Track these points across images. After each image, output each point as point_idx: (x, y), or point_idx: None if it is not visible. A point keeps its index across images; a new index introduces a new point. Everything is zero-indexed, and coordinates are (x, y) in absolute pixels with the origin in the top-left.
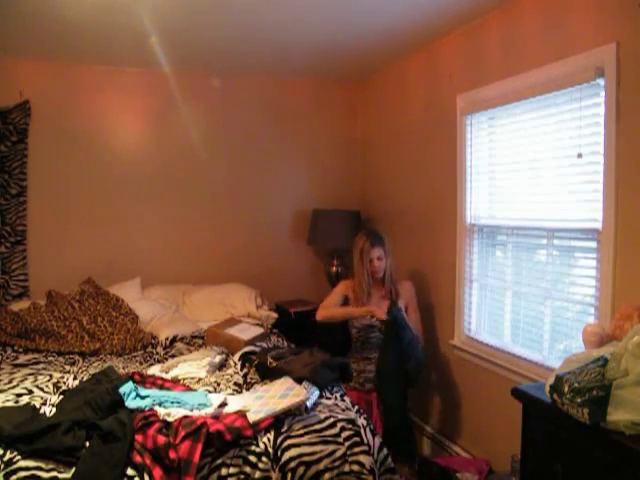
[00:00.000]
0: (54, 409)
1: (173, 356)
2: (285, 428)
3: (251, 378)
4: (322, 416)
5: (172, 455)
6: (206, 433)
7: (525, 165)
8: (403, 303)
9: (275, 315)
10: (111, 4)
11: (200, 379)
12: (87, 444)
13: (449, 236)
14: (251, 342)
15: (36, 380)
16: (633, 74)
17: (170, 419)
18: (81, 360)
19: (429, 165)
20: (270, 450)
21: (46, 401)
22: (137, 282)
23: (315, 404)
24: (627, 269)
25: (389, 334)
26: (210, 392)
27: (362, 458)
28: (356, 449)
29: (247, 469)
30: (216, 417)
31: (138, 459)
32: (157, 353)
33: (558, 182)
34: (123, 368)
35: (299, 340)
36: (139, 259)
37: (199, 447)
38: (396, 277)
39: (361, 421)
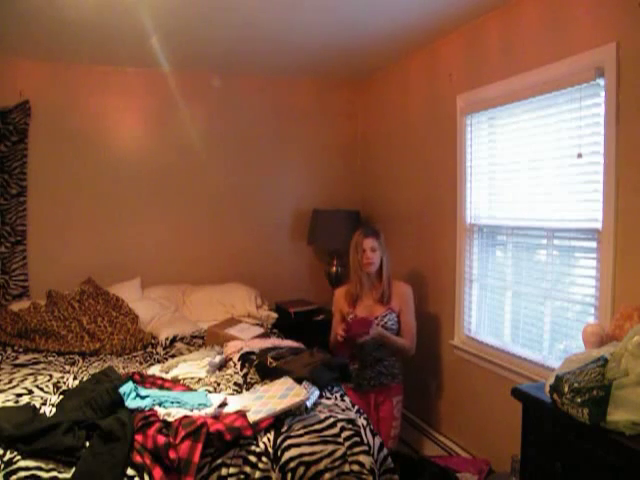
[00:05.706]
0: (54, 409)
1: (173, 356)
2: (285, 428)
3: (251, 378)
4: (322, 416)
5: (172, 455)
6: (206, 433)
7: (525, 165)
8: (396, 306)
9: (275, 315)
10: (111, 4)
11: (200, 379)
12: (87, 444)
13: (449, 236)
14: None
15: (36, 380)
16: (633, 74)
17: (170, 419)
18: (81, 360)
19: (429, 165)
20: (270, 450)
21: (46, 401)
22: (137, 282)
23: (315, 404)
24: (627, 269)
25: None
26: (210, 392)
27: (362, 458)
28: (356, 449)
29: (247, 469)
30: (216, 417)
31: (138, 459)
32: (157, 353)
33: (558, 182)
34: (123, 368)
35: (299, 340)
36: (139, 259)
37: (199, 447)
38: (393, 278)
39: (361, 421)
